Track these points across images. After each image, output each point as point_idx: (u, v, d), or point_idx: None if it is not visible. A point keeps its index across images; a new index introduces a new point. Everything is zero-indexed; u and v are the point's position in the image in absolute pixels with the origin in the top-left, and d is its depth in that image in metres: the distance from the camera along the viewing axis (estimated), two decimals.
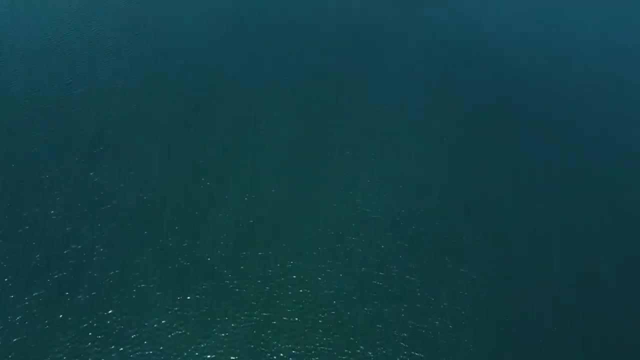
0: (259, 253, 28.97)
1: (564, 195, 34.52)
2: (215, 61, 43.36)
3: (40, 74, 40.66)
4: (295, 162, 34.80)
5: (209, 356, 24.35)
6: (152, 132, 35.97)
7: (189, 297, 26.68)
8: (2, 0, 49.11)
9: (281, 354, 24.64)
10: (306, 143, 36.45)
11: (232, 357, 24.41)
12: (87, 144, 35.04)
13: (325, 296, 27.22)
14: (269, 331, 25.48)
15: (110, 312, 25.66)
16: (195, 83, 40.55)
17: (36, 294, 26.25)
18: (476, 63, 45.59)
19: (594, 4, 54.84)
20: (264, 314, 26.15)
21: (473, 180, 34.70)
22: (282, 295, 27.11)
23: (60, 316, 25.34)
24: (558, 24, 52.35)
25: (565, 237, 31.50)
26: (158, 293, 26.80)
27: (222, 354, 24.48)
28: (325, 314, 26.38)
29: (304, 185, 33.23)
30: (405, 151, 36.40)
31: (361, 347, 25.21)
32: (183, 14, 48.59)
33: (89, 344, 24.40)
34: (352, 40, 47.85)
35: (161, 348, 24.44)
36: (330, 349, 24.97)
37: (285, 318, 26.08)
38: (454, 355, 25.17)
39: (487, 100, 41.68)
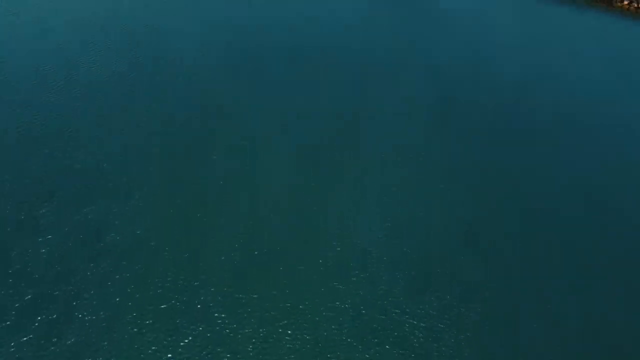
0: (255, 295, 27.96)
1: (573, 230, 33.73)
2: (214, 94, 42.87)
3: (33, 106, 40.08)
4: (293, 199, 34.02)
5: None
6: (148, 167, 35.23)
7: (183, 342, 25.61)
8: None
9: None
10: (305, 178, 35.74)
11: None
12: (82, 178, 34.25)
13: (325, 341, 26.16)
14: None
15: (100, 359, 24.55)
16: (192, 116, 39.98)
17: (24, 338, 25.15)
18: (477, 93, 45.19)
19: (597, 35, 54.86)
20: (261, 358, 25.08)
21: (477, 218, 33.90)
22: (279, 340, 26.05)
23: None
24: (558, 50, 52.24)
25: (573, 274, 30.59)
26: (151, 337, 25.73)
27: None
28: None
29: (303, 222, 32.39)
30: (407, 187, 35.66)
31: None
32: (180, 47, 48.29)
33: None
34: (352, 71, 47.52)
35: None
36: None
37: None
38: None
39: (491, 135, 41.12)
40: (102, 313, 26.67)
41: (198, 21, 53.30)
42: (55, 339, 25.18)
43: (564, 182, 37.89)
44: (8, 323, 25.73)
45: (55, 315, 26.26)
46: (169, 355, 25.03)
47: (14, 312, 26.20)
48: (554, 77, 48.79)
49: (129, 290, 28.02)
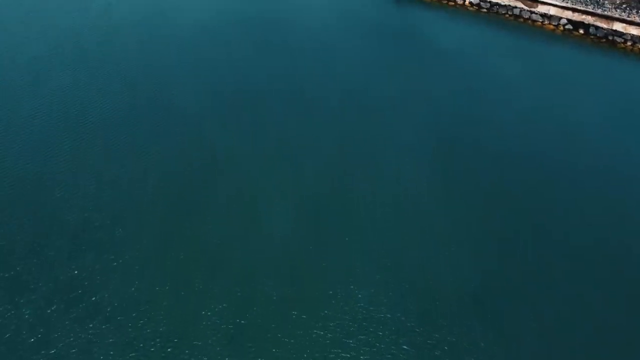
0: None
1: (582, 292, 32.06)
2: (210, 141, 41.80)
3: (20, 152, 38.86)
4: (291, 255, 32.44)
5: None
6: (141, 222, 33.81)
7: None
8: None
9: None
10: (303, 237, 34.18)
11: None
12: (70, 231, 32.78)
13: None
14: None
15: None
16: (188, 167, 38.78)
17: None
18: (480, 138, 44.06)
19: (600, 76, 54.10)
20: None
21: (484, 275, 32.25)
22: None
23: None
24: (561, 92, 51.36)
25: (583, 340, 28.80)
26: None
27: None
28: None
29: (301, 280, 30.75)
30: (411, 244, 34.10)
31: None
32: (176, 89, 47.48)
33: None
34: (352, 115, 46.56)
35: None
36: None
37: None
38: None
39: (496, 185, 39.78)
40: None
41: (195, 61, 52.74)
42: None
43: (576, 240, 36.39)
44: None
45: None
46: None
47: None
48: (557, 121, 47.79)
49: (114, 356, 26.26)
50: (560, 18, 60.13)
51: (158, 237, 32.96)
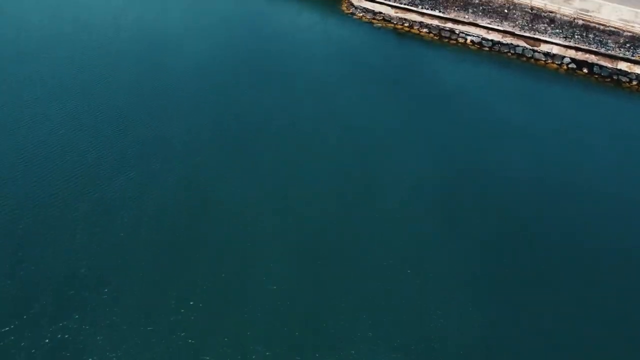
0: None
1: (589, 344, 30.37)
2: (204, 185, 40.71)
3: (6, 202, 37.64)
4: (286, 309, 30.93)
5: None
6: (130, 277, 32.44)
7: None
8: None
9: None
10: (300, 282, 32.81)
11: None
12: (56, 288, 31.39)
13: None
14: None
15: None
16: (181, 214, 37.60)
17: None
18: (485, 188, 42.82)
19: (607, 118, 53.04)
20: None
21: (490, 326, 30.60)
22: None
23: None
24: (566, 136, 50.24)
25: None
26: None
27: None
28: None
29: (300, 342, 29.15)
30: (415, 296, 32.57)
31: None
32: (169, 129, 46.61)
33: None
34: (352, 157, 45.48)
35: None
36: None
37: None
38: None
39: (502, 240, 38.35)
40: None
41: (190, 98, 52.06)
42: None
43: (582, 290, 34.83)
44: None
45: None
46: None
47: None
48: (563, 164, 46.57)
49: None
50: (564, 57, 59.43)
51: (148, 293, 31.59)
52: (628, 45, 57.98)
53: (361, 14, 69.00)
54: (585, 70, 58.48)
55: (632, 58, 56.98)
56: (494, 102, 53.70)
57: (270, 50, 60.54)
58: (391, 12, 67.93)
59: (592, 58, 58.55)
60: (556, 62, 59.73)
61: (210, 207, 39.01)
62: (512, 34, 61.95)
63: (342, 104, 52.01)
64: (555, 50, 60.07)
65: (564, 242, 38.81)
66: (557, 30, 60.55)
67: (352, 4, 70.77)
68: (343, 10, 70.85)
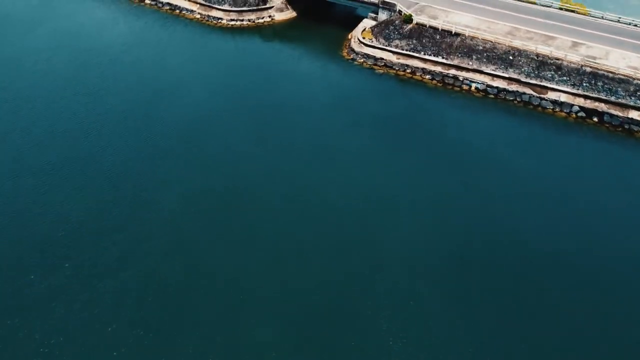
0: None
1: None
2: (195, 251, 37.96)
3: None
4: None
5: None
6: (120, 350, 29.39)
7: None
8: None
9: None
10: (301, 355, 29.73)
11: None
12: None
13: None
14: None
15: None
16: (173, 281, 34.76)
17: None
18: (495, 252, 39.95)
19: (619, 172, 50.42)
20: None
21: None
22: None
23: None
24: (578, 190, 47.60)
25: None
26: None
27: None
28: None
29: None
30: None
31: None
32: (161, 188, 44.23)
33: None
34: (354, 218, 42.82)
35: None
36: None
37: None
38: None
39: (517, 313, 35.28)
40: None
41: (185, 154, 49.92)
42: None
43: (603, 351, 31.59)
44: None
45: None
46: None
47: None
48: (575, 218, 43.87)
49: None
50: (572, 105, 57.36)
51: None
52: (639, 93, 55.88)
53: (362, 60, 67.55)
54: (595, 119, 56.29)
55: None
56: (501, 153, 51.25)
57: (269, 100, 58.68)
58: (393, 58, 66.44)
59: (602, 106, 56.44)
60: (565, 111, 57.61)
61: (200, 281, 36.02)
62: (518, 82, 60.10)
63: (343, 159, 49.60)
64: (563, 98, 58.05)
65: (578, 295, 35.95)
66: (565, 78, 58.66)
67: (352, 50, 69.45)
68: (343, 56, 69.50)
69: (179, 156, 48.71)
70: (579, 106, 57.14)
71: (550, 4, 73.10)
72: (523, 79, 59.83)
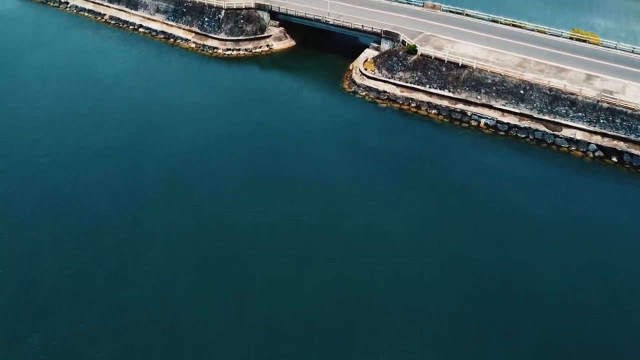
0: None
1: None
2: (178, 317, 34.01)
3: None
4: None
5: None
6: None
7: None
8: None
9: None
10: None
11: None
12: None
13: None
14: None
15: None
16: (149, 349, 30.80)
17: None
18: (514, 308, 35.92)
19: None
20: None
21: None
22: None
23: None
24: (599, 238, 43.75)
25: None
26: None
27: None
28: None
29: None
30: None
31: None
32: (146, 238, 40.52)
33: None
34: (356, 273, 38.98)
35: None
36: None
37: None
38: None
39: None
40: None
41: (172, 198, 46.43)
42: None
43: None
44: None
45: None
46: None
47: None
48: (599, 274, 39.93)
49: None
50: (589, 143, 53.68)
51: None
52: None
53: (364, 93, 64.18)
54: (614, 159, 52.51)
55: None
56: (514, 196, 47.34)
57: (266, 137, 55.16)
58: (397, 91, 63.06)
59: (621, 145, 52.73)
60: (581, 149, 53.88)
61: (183, 340, 32.27)
62: (530, 117, 56.53)
63: (344, 202, 45.80)
64: (579, 135, 54.38)
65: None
66: (580, 114, 55.07)
67: (354, 82, 66.17)
68: (345, 88, 66.19)
69: (166, 202, 44.98)
70: (597, 144, 53.45)
71: (560, 33, 69.93)
72: (535, 115, 56.26)
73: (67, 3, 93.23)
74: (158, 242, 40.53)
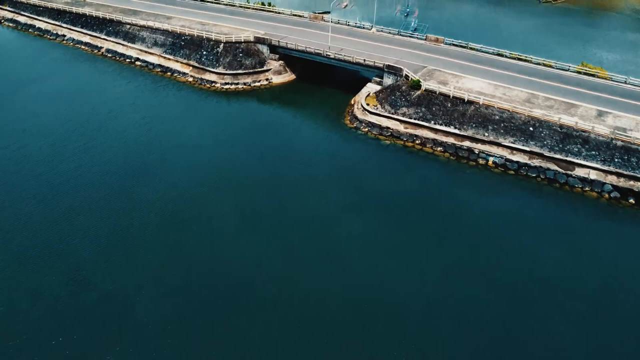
0: None
1: None
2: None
3: None
4: None
5: None
6: None
7: None
8: None
9: None
10: None
11: None
12: None
13: None
14: None
15: None
16: None
17: None
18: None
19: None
20: None
21: None
22: None
23: None
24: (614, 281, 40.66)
25: None
26: None
27: None
28: None
29: None
30: None
31: None
32: (139, 284, 37.53)
33: None
34: (358, 331, 35.84)
35: None
36: None
37: None
38: None
39: None
40: None
41: (167, 244, 43.64)
42: None
43: None
44: None
45: None
46: None
47: None
48: (616, 336, 36.72)
49: None
50: (604, 184, 50.96)
51: None
52: None
53: (367, 129, 61.87)
54: (631, 201, 49.68)
55: None
56: (525, 241, 44.41)
57: (263, 175, 52.63)
58: (400, 127, 60.75)
59: (638, 186, 50.00)
60: (595, 190, 51.11)
61: None
62: (541, 156, 53.99)
63: (344, 248, 42.88)
64: (593, 175, 51.71)
65: None
66: (593, 152, 52.52)
67: (355, 117, 63.93)
68: (346, 124, 63.89)
69: (158, 249, 42.15)
70: (612, 185, 50.73)
71: (567, 68, 67.98)
72: (546, 153, 53.72)
73: (64, 36, 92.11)
74: (148, 293, 37.55)
